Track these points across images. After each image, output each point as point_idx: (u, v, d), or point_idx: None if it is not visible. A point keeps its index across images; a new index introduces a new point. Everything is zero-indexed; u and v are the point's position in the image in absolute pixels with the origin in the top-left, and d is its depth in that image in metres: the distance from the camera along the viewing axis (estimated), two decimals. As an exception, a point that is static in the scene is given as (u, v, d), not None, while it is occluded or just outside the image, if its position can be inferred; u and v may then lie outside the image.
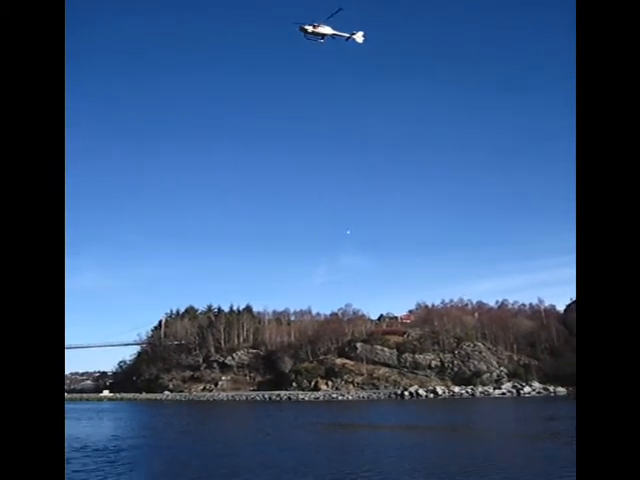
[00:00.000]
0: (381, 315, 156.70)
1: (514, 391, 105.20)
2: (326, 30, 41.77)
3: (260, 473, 21.30)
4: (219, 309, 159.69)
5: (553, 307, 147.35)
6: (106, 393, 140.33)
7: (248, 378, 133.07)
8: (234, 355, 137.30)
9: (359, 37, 43.97)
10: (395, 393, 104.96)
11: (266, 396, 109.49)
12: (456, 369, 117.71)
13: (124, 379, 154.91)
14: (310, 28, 41.34)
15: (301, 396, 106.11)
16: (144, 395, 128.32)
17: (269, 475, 20.76)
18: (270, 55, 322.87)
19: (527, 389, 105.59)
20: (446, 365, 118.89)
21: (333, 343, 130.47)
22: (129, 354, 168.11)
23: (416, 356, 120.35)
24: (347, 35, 43.32)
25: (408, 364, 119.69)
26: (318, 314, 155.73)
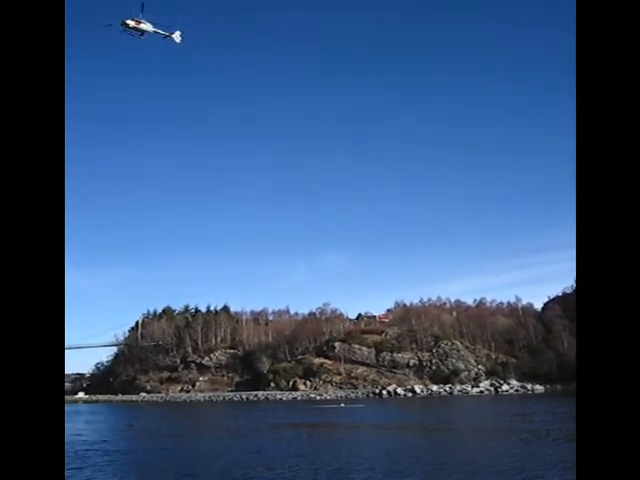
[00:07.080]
0: (359, 314, 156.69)
1: (492, 389, 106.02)
2: (147, 27, 42.30)
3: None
4: (196, 309, 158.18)
5: (531, 305, 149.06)
6: (81, 395, 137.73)
7: (226, 378, 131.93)
8: (212, 355, 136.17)
9: (177, 37, 45.24)
10: (373, 392, 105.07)
11: (244, 396, 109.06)
12: (434, 368, 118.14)
13: (101, 381, 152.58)
14: (132, 23, 41.69)
15: (279, 396, 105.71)
16: (120, 397, 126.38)
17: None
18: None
19: (505, 387, 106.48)
20: (424, 364, 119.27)
21: (311, 343, 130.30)
22: (106, 355, 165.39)
23: (394, 355, 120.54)
24: (166, 34, 43.84)
25: (386, 363, 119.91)
26: (296, 314, 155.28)
